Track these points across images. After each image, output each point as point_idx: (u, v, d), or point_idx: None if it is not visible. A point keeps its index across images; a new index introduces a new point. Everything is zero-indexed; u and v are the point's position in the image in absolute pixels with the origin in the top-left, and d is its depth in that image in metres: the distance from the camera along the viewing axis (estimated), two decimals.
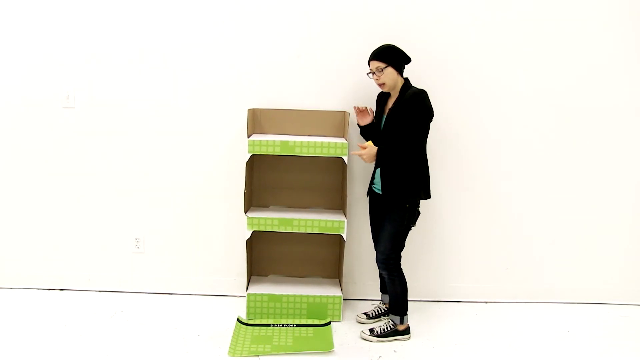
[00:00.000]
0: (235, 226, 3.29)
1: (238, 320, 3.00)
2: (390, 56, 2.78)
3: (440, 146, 3.28)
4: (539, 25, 3.20)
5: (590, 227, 3.39)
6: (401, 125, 2.73)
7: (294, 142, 2.96)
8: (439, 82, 3.21)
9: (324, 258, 3.37)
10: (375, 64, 2.79)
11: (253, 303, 3.07)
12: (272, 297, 3.07)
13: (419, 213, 2.85)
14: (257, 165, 3.29)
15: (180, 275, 3.39)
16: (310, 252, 3.36)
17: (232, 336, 2.82)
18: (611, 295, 3.43)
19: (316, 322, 3.03)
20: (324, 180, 3.31)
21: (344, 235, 3.04)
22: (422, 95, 2.72)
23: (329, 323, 3.02)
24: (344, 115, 3.20)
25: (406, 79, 2.86)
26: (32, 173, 3.30)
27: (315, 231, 3.01)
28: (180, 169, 3.29)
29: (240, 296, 3.34)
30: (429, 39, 3.20)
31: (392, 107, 2.80)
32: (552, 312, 3.29)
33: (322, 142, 2.96)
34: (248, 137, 3.08)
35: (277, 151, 2.97)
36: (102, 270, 3.38)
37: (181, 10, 3.17)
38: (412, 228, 2.88)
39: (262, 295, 3.07)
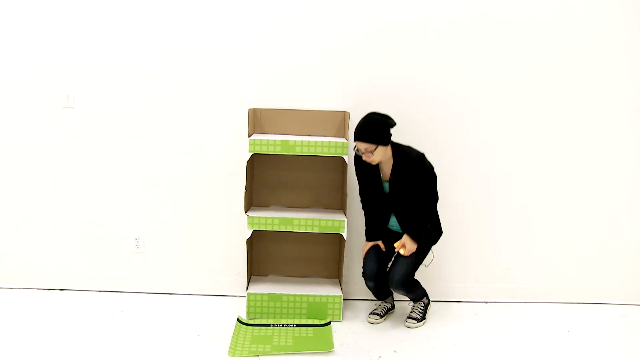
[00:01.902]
0: (235, 226, 3.29)
1: (238, 320, 3.00)
2: (378, 136, 2.73)
3: (440, 146, 3.28)
4: (549, 26, 3.21)
5: (591, 227, 3.39)
6: (411, 191, 2.84)
7: (295, 141, 2.97)
8: (443, 81, 3.22)
9: (324, 258, 3.37)
10: (364, 145, 2.74)
11: (253, 303, 3.07)
12: (272, 297, 3.07)
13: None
14: (257, 165, 3.29)
15: (180, 275, 3.39)
16: (310, 252, 3.36)
17: (232, 336, 2.82)
18: (611, 295, 3.43)
19: (316, 322, 3.03)
20: (324, 180, 3.31)
21: (344, 235, 3.04)
22: (423, 161, 2.82)
23: (329, 323, 3.01)
24: (344, 115, 3.21)
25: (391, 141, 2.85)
26: (31, 173, 3.30)
27: (316, 230, 3.01)
28: (181, 168, 3.29)
29: (240, 296, 3.34)
30: (431, 38, 3.20)
31: (394, 174, 2.84)
32: (552, 312, 3.29)
33: (322, 142, 2.96)
34: (249, 136, 3.08)
35: (278, 150, 2.97)
36: (102, 270, 3.38)
37: (181, 11, 3.17)
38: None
39: (262, 294, 3.07)
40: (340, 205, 3.30)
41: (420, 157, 2.84)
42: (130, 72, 3.21)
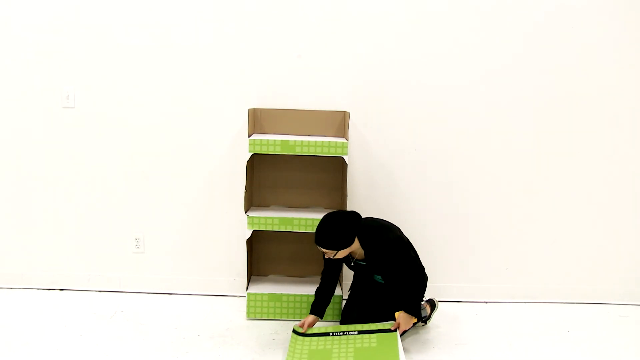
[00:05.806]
0: (235, 226, 3.29)
1: (293, 331, 2.72)
2: (337, 243, 2.62)
3: (440, 146, 3.28)
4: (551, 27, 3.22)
5: (591, 227, 3.39)
6: (387, 269, 2.73)
7: (295, 141, 2.97)
8: (443, 80, 3.22)
9: None
10: (323, 250, 2.66)
11: (253, 303, 3.06)
12: (272, 297, 3.06)
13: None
14: (257, 165, 3.29)
15: (180, 275, 3.39)
16: (311, 251, 3.36)
17: (288, 351, 2.59)
18: (611, 295, 3.43)
19: (380, 326, 2.72)
20: (324, 180, 3.31)
21: None
22: (389, 245, 2.68)
23: (392, 329, 2.68)
24: (344, 115, 3.21)
25: (358, 230, 2.67)
26: (31, 173, 3.30)
27: None
28: (181, 168, 3.29)
29: (241, 296, 3.34)
30: (431, 37, 3.20)
31: (367, 260, 2.76)
32: (552, 312, 3.29)
33: (322, 142, 2.96)
34: (249, 136, 3.08)
35: (278, 150, 2.97)
36: (102, 270, 3.38)
37: (182, 10, 3.17)
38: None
39: (262, 294, 3.07)
40: (340, 205, 3.30)
41: (385, 243, 2.67)
42: (130, 72, 3.21)
